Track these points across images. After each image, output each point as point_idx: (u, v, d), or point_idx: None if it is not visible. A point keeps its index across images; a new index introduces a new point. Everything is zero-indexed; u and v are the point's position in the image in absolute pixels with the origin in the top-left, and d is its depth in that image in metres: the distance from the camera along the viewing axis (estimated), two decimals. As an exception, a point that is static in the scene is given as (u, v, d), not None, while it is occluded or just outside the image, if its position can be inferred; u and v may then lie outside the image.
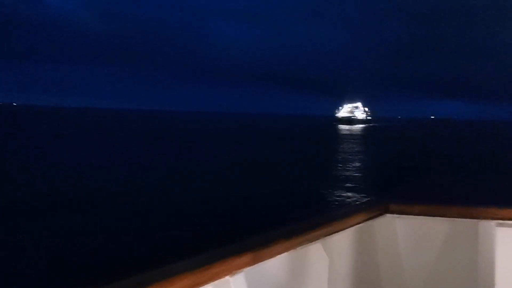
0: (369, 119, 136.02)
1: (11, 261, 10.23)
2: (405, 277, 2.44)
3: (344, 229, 2.15)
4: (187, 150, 38.90)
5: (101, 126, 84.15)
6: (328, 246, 2.04)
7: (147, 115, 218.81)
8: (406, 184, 21.73)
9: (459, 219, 2.36)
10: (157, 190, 19.24)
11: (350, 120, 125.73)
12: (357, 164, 31.92)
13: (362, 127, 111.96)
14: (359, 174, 26.47)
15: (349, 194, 19.55)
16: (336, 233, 2.10)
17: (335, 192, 20.09)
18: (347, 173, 26.39)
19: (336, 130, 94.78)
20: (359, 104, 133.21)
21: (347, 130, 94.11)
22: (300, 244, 1.88)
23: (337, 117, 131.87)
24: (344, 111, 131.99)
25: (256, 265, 1.64)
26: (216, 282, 1.48)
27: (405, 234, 2.45)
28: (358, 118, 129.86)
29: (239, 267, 1.56)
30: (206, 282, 1.43)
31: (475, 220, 2.31)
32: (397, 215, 2.44)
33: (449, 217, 2.38)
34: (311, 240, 1.93)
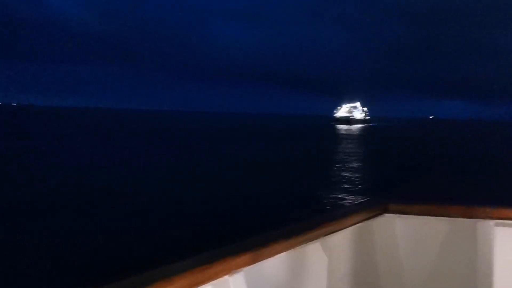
0: (367, 119, 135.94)
1: (11, 261, 10.23)
2: (404, 276, 2.44)
3: (343, 228, 2.16)
4: (187, 150, 38.90)
5: (101, 126, 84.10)
6: (328, 245, 2.05)
7: (147, 115, 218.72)
8: (405, 184, 21.75)
9: (458, 219, 2.36)
10: (157, 190, 19.24)
11: (348, 120, 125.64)
12: (356, 164, 31.92)
13: (360, 127, 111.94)
14: (358, 174, 26.46)
15: (348, 194, 19.56)
16: (336, 233, 2.11)
17: (334, 192, 20.09)
18: (346, 173, 26.39)
19: (334, 130, 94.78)
20: (357, 104, 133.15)
21: (346, 130, 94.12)
22: (300, 243, 1.88)
23: (335, 117, 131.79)
24: (342, 111, 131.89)
25: (255, 265, 1.65)
26: (216, 281, 1.49)
27: (404, 233, 2.46)
28: (357, 118, 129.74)
29: (239, 267, 1.57)
30: (206, 281, 1.44)
31: (474, 220, 2.32)
32: (396, 215, 2.45)
33: (448, 216, 2.39)
34: (310, 240, 1.94)
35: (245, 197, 17.94)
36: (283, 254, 1.82)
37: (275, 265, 1.83)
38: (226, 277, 1.52)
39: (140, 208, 15.68)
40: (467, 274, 2.31)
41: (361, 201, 2.62)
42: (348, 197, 18.58)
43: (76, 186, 19.80)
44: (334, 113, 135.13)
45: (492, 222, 2.27)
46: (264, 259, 1.70)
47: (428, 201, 2.51)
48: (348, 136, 73.90)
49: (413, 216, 2.45)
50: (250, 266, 1.62)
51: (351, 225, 2.22)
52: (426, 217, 2.43)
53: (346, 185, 22.07)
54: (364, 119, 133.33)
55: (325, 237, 2.03)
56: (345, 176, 25.30)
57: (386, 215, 2.44)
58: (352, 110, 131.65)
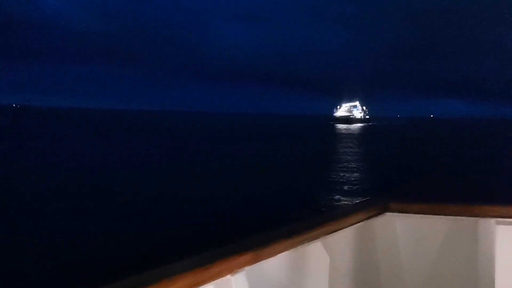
0: (367, 118, 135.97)
1: (11, 261, 10.23)
2: (405, 275, 2.44)
3: (344, 228, 2.16)
4: (187, 150, 38.91)
5: (101, 127, 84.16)
6: (329, 245, 2.05)
7: (147, 115, 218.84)
8: (406, 182, 21.76)
9: (459, 217, 2.36)
10: (157, 189, 19.25)
11: (348, 120, 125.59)
12: (356, 164, 31.94)
13: (360, 126, 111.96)
14: (358, 173, 26.48)
15: (349, 193, 19.58)
16: (336, 232, 2.11)
17: (335, 191, 20.11)
18: (346, 173, 26.41)
19: (334, 129, 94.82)
20: (357, 103, 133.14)
21: (345, 129, 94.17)
22: (301, 243, 1.88)
23: (335, 117, 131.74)
24: (342, 111, 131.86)
25: (257, 264, 1.65)
26: (218, 281, 1.49)
27: (405, 232, 2.46)
28: (356, 117, 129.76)
29: (240, 266, 1.57)
30: (208, 281, 1.44)
31: (475, 218, 2.32)
32: (397, 214, 2.45)
33: (449, 215, 2.39)
34: (311, 239, 1.94)
35: (246, 197, 17.95)
36: (284, 253, 1.82)
37: (276, 264, 1.84)
38: (228, 276, 1.53)
39: (141, 208, 15.69)
40: (468, 273, 2.31)
41: (362, 200, 2.62)
42: (349, 197, 18.59)
43: (76, 186, 19.82)
44: (334, 113, 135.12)
45: (493, 220, 2.27)
46: (265, 258, 1.70)
47: (429, 199, 2.51)
48: (348, 135, 73.94)
49: (414, 215, 2.44)
50: (252, 266, 1.62)
51: (351, 224, 2.22)
52: (427, 215, 2.42)
53: (346, 185, 22.09)
54: (364, 118, 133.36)
55: (326, 236, 2.03)
56: (345, 175, 25.32)
57: (387, 214, 2.44)
58: (352, 110, 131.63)
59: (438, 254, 2.41)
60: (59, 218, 14.16)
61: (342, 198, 18.39)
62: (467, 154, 39.95)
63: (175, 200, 17.12)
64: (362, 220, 2.29)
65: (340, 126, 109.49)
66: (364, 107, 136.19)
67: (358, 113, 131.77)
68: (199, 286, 1.40)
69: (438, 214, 2.40)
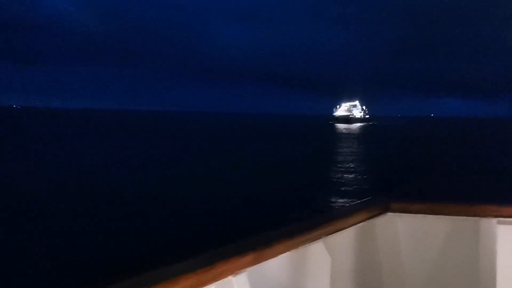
0: (367, 117, 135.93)
1: (11, 261, 10.23)
2: (407, 275, 2.44)
3: (345, 228, 2.15)
4: (187, 150, 38.91)
5: (101, 127, 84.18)
6: (330, 245, 2.04)
7: (147, 115, 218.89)
8: (407, 182, 21.75)
9: (460, 217, 2.36)
10: (158, 190, 19.24)
11: (347, 119, 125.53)
12: (356, 163, 31.92)
13: (360, 126, 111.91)
14: (358, 173, 26.47)
15: (350, 193, 19.56)
16: (338, 232, 2.10)
17: (336, 191, 20.11)
18: (347, 172, 26.39)
19: (334, 129, 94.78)
20: (357, 103, 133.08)
21: (344, 129, 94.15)
22: (302, 243, 1.88)
23: (334, 116, 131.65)
24: (342, 110, 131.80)
25: (258, 265, 1.65)
26: (219, 282, 1.48)
27: (406, 232, 2.45)
28: (356, 117, 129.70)
29: (242, 267, 1.57)
30: (209, 282, 1.44)
31: (476, 218, 2.31)
32: (399, 214, 2.44)
33: (450, 215, 2.38)
34: (312, 239, 1.94)
35: (247, 197, 17.95)
36: (286, 254, 1.81)
37: (278, 265, 1.83)
38: (230, 277, 1.52)
39: (141, 208, 15.69)
40: (470, 272, 2.31)
41: (363, 200, 2.61)
42: (349, 197, 18.57)
43: (77, 186, 19.82)
44: (334, 112, 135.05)
45: (494, 220, 2.27)
46: (267, 259, 1.70)
47: (430, 199, 2.51)
48: (348, 135, 73.92)
49: (415, 214, 2.44)
50: (253, 267, 1.62)
51: (353, 224, 2.21)
52: (428, 215, 2.42)
53: (346, 185, 22.08)
54: (364, 118, 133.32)
55: (327, 236, 2.03)
56: (346, 175, 25.31)
57: (388, 214, 2.44)
58: (352, 109, 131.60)
59: (439, 254, 2.41)
60: (59, 218, 14.16)
61: (343, 198, 18.38)
62: (468, 153, 39.93)
63: (176, 200, 17.12)
64: (363, 220, 2.28)
65: (340, 125, 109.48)
66: (364, 107, 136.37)
67: (358, 113, 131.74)
68: (201, 287, 1.40)
69: (440, 214, 2.40)
